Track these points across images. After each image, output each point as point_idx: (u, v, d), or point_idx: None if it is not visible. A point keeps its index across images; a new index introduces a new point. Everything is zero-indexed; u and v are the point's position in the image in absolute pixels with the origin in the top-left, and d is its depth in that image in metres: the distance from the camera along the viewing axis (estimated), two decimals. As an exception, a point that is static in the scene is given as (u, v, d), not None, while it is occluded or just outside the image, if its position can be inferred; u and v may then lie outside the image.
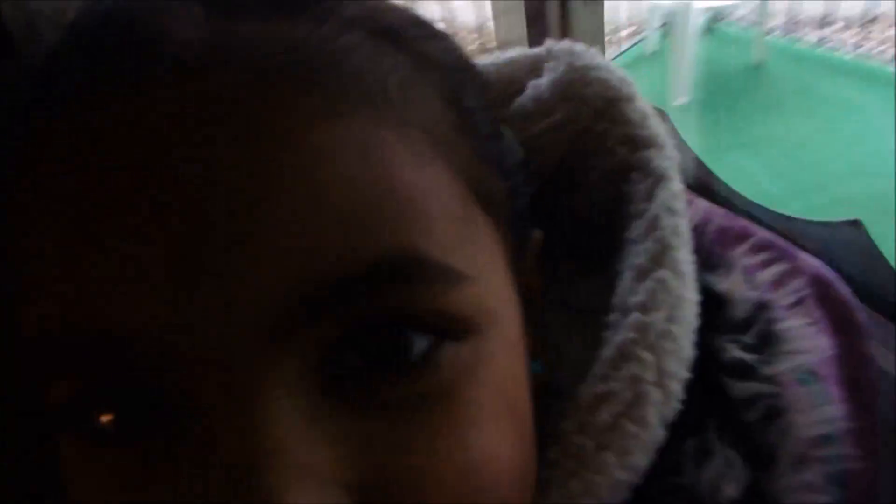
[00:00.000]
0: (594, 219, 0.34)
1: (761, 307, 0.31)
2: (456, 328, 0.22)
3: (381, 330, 0.21)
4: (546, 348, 0.30)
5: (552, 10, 0.77)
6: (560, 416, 0.28)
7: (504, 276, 0.26)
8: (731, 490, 0.26)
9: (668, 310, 0.28)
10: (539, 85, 0.34)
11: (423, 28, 0.27)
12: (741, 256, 0.33)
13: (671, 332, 0.27)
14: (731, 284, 0.31)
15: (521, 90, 0.35)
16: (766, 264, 0.33)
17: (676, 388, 0.27)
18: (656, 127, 0.33)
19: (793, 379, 0.29)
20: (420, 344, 0.22)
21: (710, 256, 0.32)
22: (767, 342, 0.30)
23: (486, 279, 0.24)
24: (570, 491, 0.26)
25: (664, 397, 0.27)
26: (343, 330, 0.21)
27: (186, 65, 0.21)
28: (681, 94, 2.57)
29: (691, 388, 0.27)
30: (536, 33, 0.77)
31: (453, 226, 0.23)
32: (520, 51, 0.37)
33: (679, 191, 0.31)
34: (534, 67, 0.36)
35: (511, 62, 0.37)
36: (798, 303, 0.32)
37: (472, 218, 0.24)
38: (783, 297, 0.32)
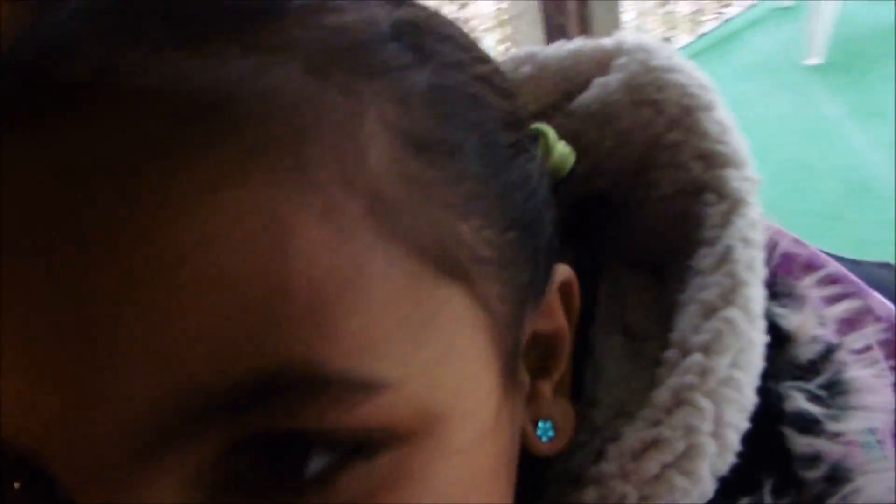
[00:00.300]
0: (654, 239, 0.31)
1: (830, 350, 0.28)
2: (368, 444, 0.19)
3: (274, 443, 0.19)
4: (570, 412, 0.27)
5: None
6: (596, 453, 0.26)
7: (473, 360, 0.22)
8: None
9: (733, 354, 0.25)
10: (607, 84, 0.31)
11: (402, 42, 0.22)
12: (811, 288, 0.30)
13: (734, 379, 0.25)
14: (802, 320, 0.28)
15: (584, 87, 0.32)
16: (834, 300, 0.29)
17: (734, 440, 0.25)
18: (737, 142, 0.29)
19: (859, 438, 0.26)
20: (317, 462, 0.19)
21: (774, 284, 0.29)
22: (836, 392, 0.27)
23: (430, 375, 0.20)
24: None
25: (720, 449, 0.24)
26: (230, 443, 0.18)
27: (56, 110, 0.18)
28: (814, 54, 2.38)
29: (747, 437, 0.25)
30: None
31: (380, 316, 0.19)
32: (583, 41, 0.34)
33: (757, 218, 0.28)
34: (601, 63, 0.32)
35: (574, 54, 0.33)
36: (868, 348, 0.28)
37: (420, 295, 0.20)
38: (854, 341, 0.28)
